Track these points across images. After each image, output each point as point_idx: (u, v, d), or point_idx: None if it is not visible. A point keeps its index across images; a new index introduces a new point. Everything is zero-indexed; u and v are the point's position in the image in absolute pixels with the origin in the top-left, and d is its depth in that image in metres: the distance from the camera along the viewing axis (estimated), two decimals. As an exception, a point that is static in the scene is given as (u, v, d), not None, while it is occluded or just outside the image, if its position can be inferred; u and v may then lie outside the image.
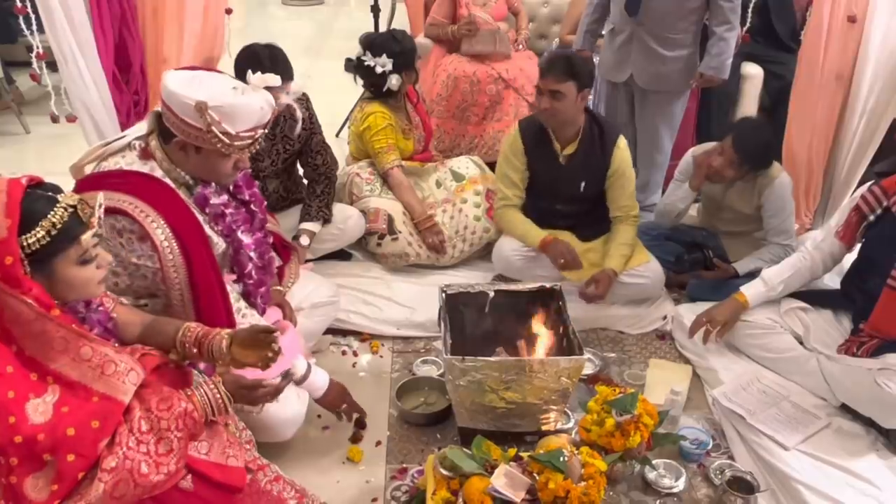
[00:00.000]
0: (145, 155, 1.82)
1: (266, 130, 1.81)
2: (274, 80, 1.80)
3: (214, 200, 1.87)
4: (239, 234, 1.93)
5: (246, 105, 1.71)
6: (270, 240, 2.15)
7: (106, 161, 1.83)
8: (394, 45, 2.89)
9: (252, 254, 1.98)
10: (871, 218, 2.22)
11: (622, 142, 2.65)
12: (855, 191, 2.39)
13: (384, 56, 2.86)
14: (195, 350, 1.61)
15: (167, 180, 1.80)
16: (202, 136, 1.71)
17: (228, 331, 1.62)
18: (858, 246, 2.32)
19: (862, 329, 2.20)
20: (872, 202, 2.22)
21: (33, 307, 1.31)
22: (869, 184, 2.26)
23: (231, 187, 1.96)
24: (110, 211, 1.67)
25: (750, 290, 2.39)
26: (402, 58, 2.89)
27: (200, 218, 1.84)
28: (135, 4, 2.43)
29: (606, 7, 3.06)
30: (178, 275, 1.77)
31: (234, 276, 1.99)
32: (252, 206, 2.02)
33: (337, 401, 2.10)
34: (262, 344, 1.58)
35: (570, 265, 2.48)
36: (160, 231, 1.72)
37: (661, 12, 2.84)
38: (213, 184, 1.88)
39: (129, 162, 1.81)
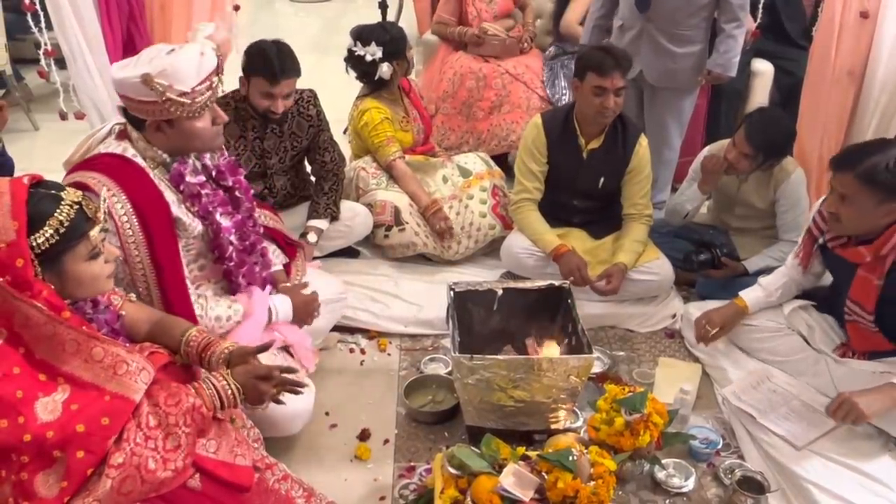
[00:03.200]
0: (121, 136, 1.84)
1: (222, 74, 1.82)
2: (208, 27, 1.81)
3: (190, 179, 1.86)
4: (217, 216, 1.92)
5: (184, 59, 1.72)
6: (261, 229, 2.14)
7: (92, 152, 1.84)
8: (383, 34, 2.90)
9: (232, 237, 1.97)
10: (821, 241, 2.17)
11: (644, 140, 2.64)
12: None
13: (373, 45, 2.87)
14: (197, 361, 1.62)
15: (138, 160, 1.80)
16: (164, 108, 1.72)
17: (230, 349, 1.61)
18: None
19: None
20: (821, 225, 2.16)
21: (43, 311, 1.31)
22: (820, 200, 2.19)
23: (214, 173, 1.95)
24: (74, 186, 1.67)
25: (749, 296, 2.36)
26: (392, 46, 2.90)
27: (174, 198, 1.84)
28: (142, 1, 2.43)
29: (615, 1, 3.04)
30: (140, 253, 1.76)
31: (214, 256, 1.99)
32: (236, 193, 2.01)
33: (306, 311, 2.12)
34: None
35: (577, 283, 2.47)
36: (119, 206, 1.73)
37: (670, 8, 2.82)
38: (191, 161, 1.88)
39: (107, 146, 1.82)
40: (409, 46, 3.01)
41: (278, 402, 1.62)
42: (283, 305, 2.08)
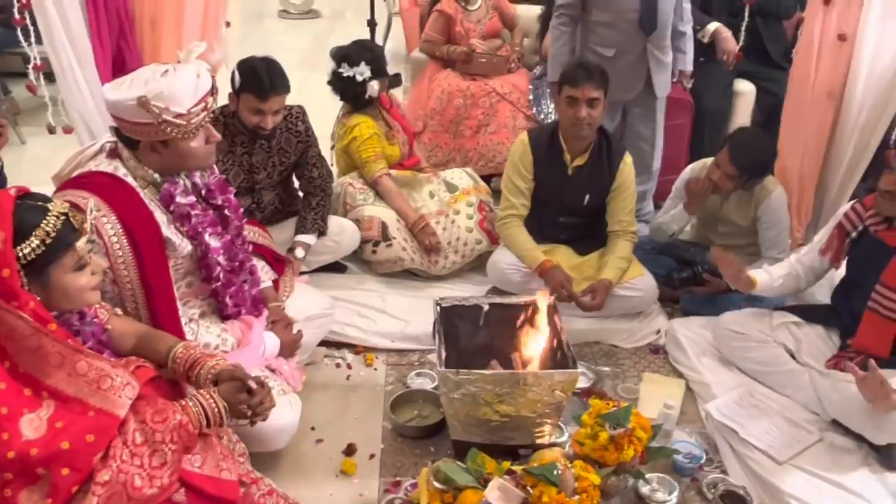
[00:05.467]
0: (112, 155, 1.84)
1: (216, 95, 1.84)
2: (200, 46, 1.82)
3: (180, 200, 1.87)
4: (206, 236, 1.93)
5: (181, 81, 1.73)
6: (250, 247, 2.15)
7: (82, 168, 1.84)
8: (367, 53, 2.95)
9: (220, 258, 1.98)
10: (854, 235, 2.25)
11: (629, 158, 2.69)
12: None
13: (362, 65, 2.91)
14: (184, 377, 1.62)
15: (129, 179, 1.81)
16: (160, 130, 1.73)
17: (216, 366, 1.61)
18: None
19: (849, 345, 2.22)
20: (854, 219, 2.25)
21: (29, 322, 1.31)
22: (853, 202, 2.29)
23: (203, 192, 1.96)
24: None
25: (759, 275, 2.40)
26: (377, 64, 2.95)
27: (164, 218, 1.85)
28: (132, 16, 2.45)
29: (574, 33, 3.10)
30: (129, 273, 1.76)
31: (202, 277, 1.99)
32: (225, 212, 2.02)
33: (291, 349, 2.18)
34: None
35: (563, 299, 2.49)
36: (109, 227, 1.72)
37: (662, 24, 2.95)
38: (181, 182, 1.88)
39: (98, 164, 1.83)
40: (387, 63, 3.04)
41: (255, 421, 1.61)
42: (271, 344, 2.11)
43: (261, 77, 2.40)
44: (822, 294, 2.74)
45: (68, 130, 2.32)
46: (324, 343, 2.57)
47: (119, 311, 1.73)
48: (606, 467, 1.90)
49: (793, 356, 2.33)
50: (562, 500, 1.69)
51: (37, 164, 4.03)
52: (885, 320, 2.10)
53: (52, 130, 2.30)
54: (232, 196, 2.05)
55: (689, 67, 3.20)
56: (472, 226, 2.97)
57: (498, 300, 2.36)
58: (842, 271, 2.40)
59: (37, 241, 1.34)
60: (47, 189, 1.76)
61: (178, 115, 1.73)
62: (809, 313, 2.41)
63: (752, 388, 2.33)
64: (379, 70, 2.96)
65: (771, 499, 1.98)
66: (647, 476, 2.01)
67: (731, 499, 1.94)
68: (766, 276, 2.39)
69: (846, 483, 1.96)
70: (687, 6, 3.08)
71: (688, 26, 3.12)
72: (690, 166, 2.90)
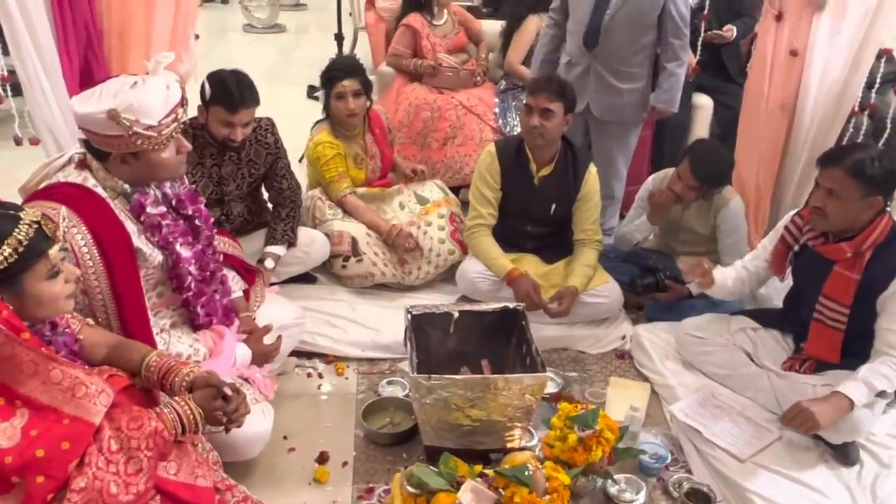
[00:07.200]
0: (81, 165, 1.84)
1: (186, 105, 1.85)
2: (168, 57, 1.83)
3: (151, 210, 1.88)
4: (177, 246, 1.93)
5: (151, 93, 1.74)
6: (220, 257, 2.17)
7: (50, 179, 1.84)
8: (334, 63, 3.00)
9: (192, 267, 1.99)
10: (796, 248, 2.31)
11: (593, 169, 2.76)
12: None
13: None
14: (158, 385, 1.63)
15: (99, 190, 1.81)
16: (131, 142, 1.74)
17: (191, 373, 1.61)
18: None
19: (803, 348, 2.30)
20: (795, 232, 2.31)
21: (2, 331, 1.31)
22: (792, 213, 2.35)
23: (174, 202, 1.97)
24: None
25: (715, 273, 2.45)
26: (325, 76, 2.98)
27: (135, 228, 1.85)
28: (101, 28, 2.45)
29: (561, 38, 3.18)
30: (100, 283, 1.77)
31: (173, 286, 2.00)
32: (196, 221, 2.03)
33: (264, 359, 2.15)
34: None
35: (531, 307, 2.53)
36: (80, 237, 1.73)
37: (615, 47, 2.95)
38: (152, 192, 1.89)
39: (67, 174, 1.82)
40: (341, 95, 2.93)
41: (230, 428, 1.62)
42: (242, 354, 2.10)
43: (231, 90, 2.42)
44: (779, 300, 2.83)
45: (35, 142, 2.30)
46: (295, 353, 2.57)
47: (91, 321, 1.73)
48: (575, 468, 1.95)
49: (751, 359, 2.41)
50: (533, 500, 1.73)
51: (1, 177, 3.96)
52: (831, 330, 2.18)
53: (18, 142, 2.29)
54: (202, 206, 2.06)
55: (666, 107, 3.04)
56: (445, 237, 3.00)
57: (467, 307, 2.40)
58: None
59: (9, 250, 1.34)
60: (14, 201, 1.75)
61: (149, 128, 1.74)
62: (766, 318, 2.50)
63: (714, 390, 2.40)
64: (324, 82, 2.98)
65: (734, 495, 2.04)
66: (615, 477, 2.06)
67: (696, 497, 1.99)
68: (720, 276, 2.46)
69: (804, 479, 2.03)
70: (676, 42, 2.91)
71: (673, 65, 2.95)
72: (652, 177, 2.98)
